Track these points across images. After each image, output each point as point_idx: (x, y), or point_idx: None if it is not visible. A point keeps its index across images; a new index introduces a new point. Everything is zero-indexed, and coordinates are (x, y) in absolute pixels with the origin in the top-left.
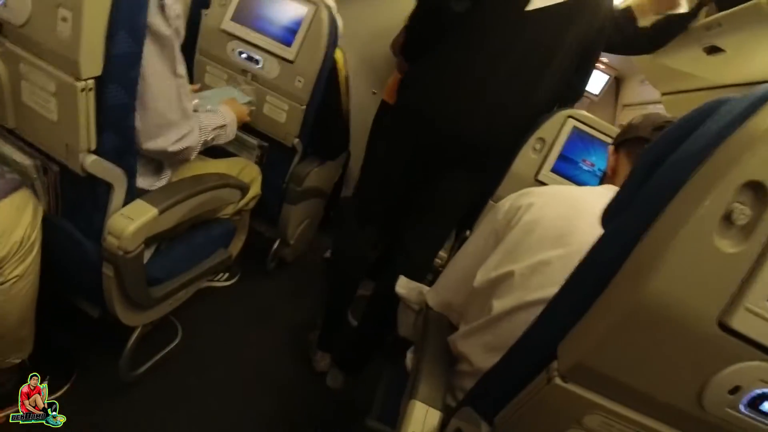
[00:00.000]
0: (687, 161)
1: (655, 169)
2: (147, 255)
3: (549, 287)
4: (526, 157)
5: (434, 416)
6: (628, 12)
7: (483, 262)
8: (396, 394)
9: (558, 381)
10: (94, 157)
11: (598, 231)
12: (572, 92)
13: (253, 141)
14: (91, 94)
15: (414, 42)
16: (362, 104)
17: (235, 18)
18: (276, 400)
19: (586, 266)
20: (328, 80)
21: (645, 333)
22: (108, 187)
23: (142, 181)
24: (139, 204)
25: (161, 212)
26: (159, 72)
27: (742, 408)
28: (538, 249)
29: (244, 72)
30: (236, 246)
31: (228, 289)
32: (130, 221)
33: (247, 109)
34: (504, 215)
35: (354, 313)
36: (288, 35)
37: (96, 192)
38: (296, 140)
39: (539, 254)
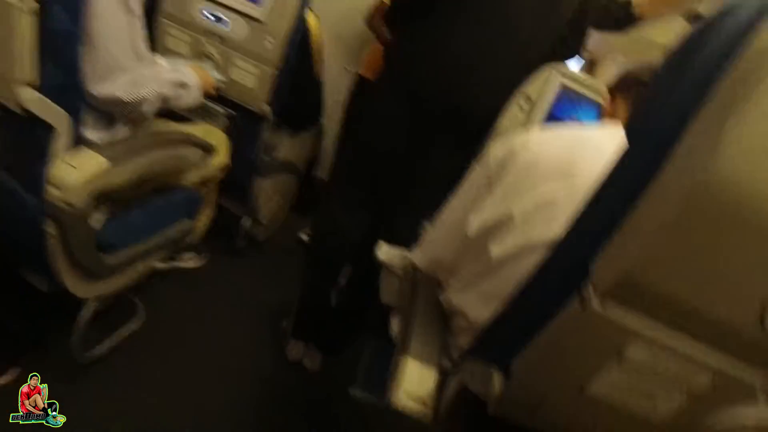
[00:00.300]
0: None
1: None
2: (101, 219)
3: (555, 227)
4: (512, 116)
5: (430, 374)
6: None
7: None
8: (380, 365)
9: (596, 306)
10: (32, 91)
11: (605, 162)
12: (567, 49)
13: (220, 109)
14: (34, 20)
15: (401, 7)
16: (335, 82)
17: None
18: (247, 383)
19: (620, 167)
20: (302, 44)
21: (705, 228)
22: (49, 131)
23: (92, 134)
24: (86, 153)
25: (112, 164)
26: (110, 7)
27: None
28: (541, 185)
29: (209, 34)
30: (202, 222)
31: (195, 271)
32: (75, 170)
33: (214, 81)
34: (496, 160)
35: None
36: None
37: (36, 136)
38: (266, 107)
39: (542, 191)
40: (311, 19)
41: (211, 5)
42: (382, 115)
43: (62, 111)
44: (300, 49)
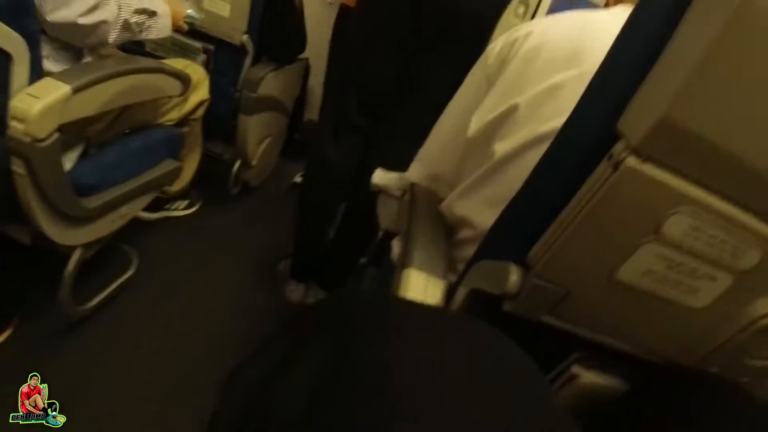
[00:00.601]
0: None
1: None
2: (73, 158)
3: (565, 114)
4: (507, 24)
5: (437, 285)
6: None
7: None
8: (381, 289)
9: (632, 161)
10: None
11: None
12: None
13: (197, 44)
14: None
15: None
16: (318, 17)
17: None
18: (247, 323)
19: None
20: None
21: (751, 58)
22: (6, 59)
23: (54, 65)
24: (47, 81)
25: (75, 91)
26: None
27: None
28: (547, 73)
29: None
30: (190, 166)
31: (188, 218)
32: (36, 100)
33: (186, 15)
34: (496, 56)
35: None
36: None
37: None
38: (245, 37)
39: (549, 79)
40: None
41: None
42: (372, 37)
43: (17, 35)
44: None
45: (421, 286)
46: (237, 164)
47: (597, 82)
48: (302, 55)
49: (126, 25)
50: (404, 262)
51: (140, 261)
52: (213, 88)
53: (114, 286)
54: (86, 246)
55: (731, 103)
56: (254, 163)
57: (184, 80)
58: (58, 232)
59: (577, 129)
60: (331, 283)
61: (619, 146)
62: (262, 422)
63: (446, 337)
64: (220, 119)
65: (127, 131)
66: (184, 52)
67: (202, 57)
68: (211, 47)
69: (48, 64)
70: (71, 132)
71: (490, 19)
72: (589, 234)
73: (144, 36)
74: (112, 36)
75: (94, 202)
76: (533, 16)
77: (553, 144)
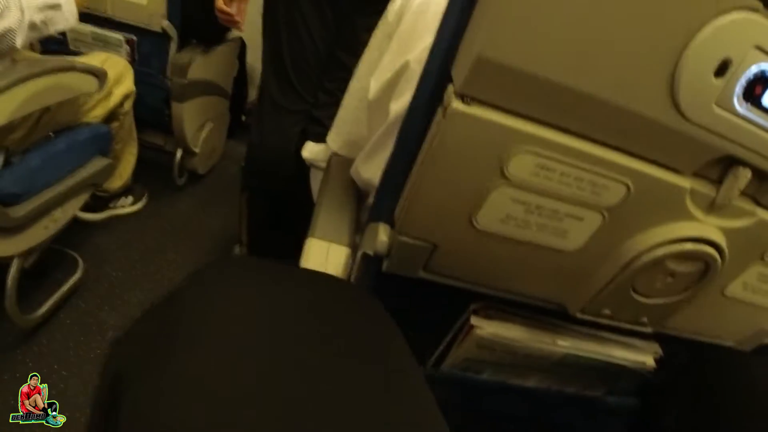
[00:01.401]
0: None
1: None
2: None
3: None
4: None
5: (339, 252)
6: None
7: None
8: None
9: (457, 105)
10: None
11: None
12: None
13: (118, 35)
14: None
15: None
16: None
17: None
18: None
19: None
20: None
21: None
22: None
23: None
24: None
25: None
26: None
27: (736, 102)
28: (435, 27)
29: None
30: (128, 161)
31: (136, 214)
32: None
33: None
34: (395, 12)
35: None
36: None
37: None
38: (166, 23)
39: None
40: None
41: None
42: (294, 12)
43: None
44: None
45: (322, 255)
46: (179, 153)
47: (437, 33)
48: (237, 33)
49: (32, 26)
50: (308, 233)
51: (89, 263)
52: (142, 78)
53: (62, 291)
54: (23, 255)
55: (542, 32)
56: (197, 150)
57: (99, 75)
58: None
59: (423, 81)
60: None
61: (448, 91)
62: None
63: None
64: (154, 109)
65: (50, 134)
66: (106, 45)
67: (126, 48)
68: (134, 37)
69: None
70: None
71: None
72: (436, 184)
73: (52, 30)
74: (19, 41)
75: (21, 210)
76: None
77: (411, 99)
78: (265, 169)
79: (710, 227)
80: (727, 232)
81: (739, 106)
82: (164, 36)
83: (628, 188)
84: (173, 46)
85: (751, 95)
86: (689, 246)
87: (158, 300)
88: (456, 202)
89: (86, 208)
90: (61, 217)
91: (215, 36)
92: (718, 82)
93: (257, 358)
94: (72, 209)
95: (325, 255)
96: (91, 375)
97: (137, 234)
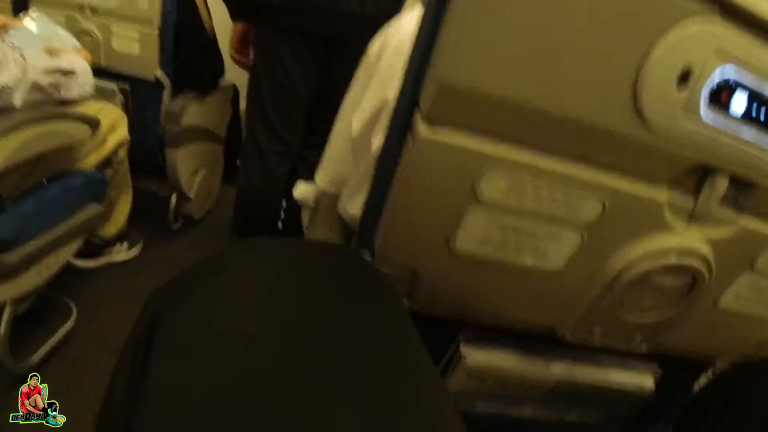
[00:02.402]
0: None
1: None
2: None
3: None
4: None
5: None
6: None
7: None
8: None
9: (424, 130)
10: None
11: None
12: None
13: (112, 85)
14: None
15: None
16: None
17: None
18: None
19: None
20: None
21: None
22: None
23: None
24: None
25: None
26: None
27: (702, 110)
28: None
29: (82, 9)
30: (123, 207)
31: (131, 261)
32: None
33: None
34: (375, 52)
35: None
36: None
37: None
38: (159, 72)
39: None
40: None
41: None
42: (274, 59)
43: None
44: (179, 2)
45: None
46: (174, 199)
47: (408, 63)
48: (230, 79)
49: (37, 87)
50: None
51: (83, 310)
52: (137, 125)
53: (56, 338)
54: (16, 301)
55: (502, 54)
56: (192, 195)
57: (92, 123)
58: None
59: (396, 111)
60: None
61: (416, 118)
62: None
63: None
64: (148, 155)
65: (44, 180)
66: (101, 94)
67: (120, 97)
68: (128, 87)
69: None
70: None
71: (383, 19)
72: (411, 209)
73: (64, 96)
74: (18, 99)
75: (14, 256)
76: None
77: (386, 130)
78: (252, 211)
79: (694, 239)
80: (712, 243)
81: (706, 114)
82: (158, 84)
83: (604, 205)
84: (166, 94)
85: (717, 102)
86: (673, 259)
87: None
88: (432, 227)
89: (81, 254)
90: (53, 263)
91: (208, 83)
92: (682, 92)
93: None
94: (65, 255)
95: None
96: (86, 415)
97: (131, 281)
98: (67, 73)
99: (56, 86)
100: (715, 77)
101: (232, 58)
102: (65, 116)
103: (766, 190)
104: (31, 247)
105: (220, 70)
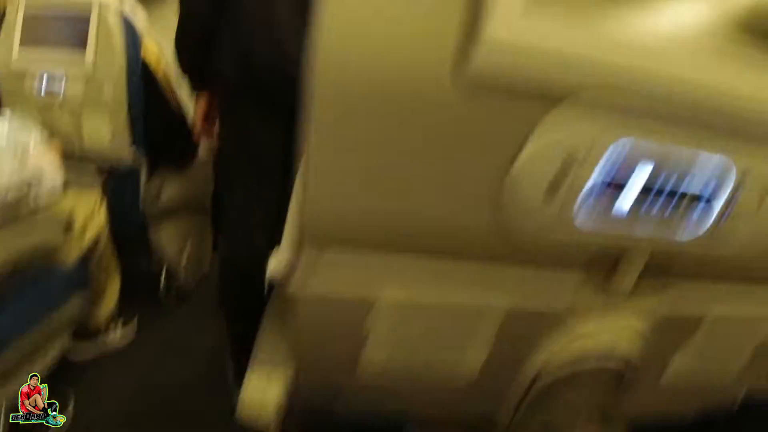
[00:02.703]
0: None
1: None
2: None
3: None
4: None
5: (278, 382)
6: None
7: None
8: None
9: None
10: None
11: None
12: None
13: (90, 171)
14: None
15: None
16: None
17: (24, 48)
18: None
19: None
20: (145, 79)
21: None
22: None
23: None
24: None
25: None
26: None
27: (578, 217)
28: None
29: (51, 107)
30: (111, 292)
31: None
32: None
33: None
34: None
35: None
36: (80, 47)
37: None
38: (133, 156)
39: None
40: (151, 50)
41: (38, 77)
42: (250, 128)
43: None
44: (145, 84)
45: (261, 390)
46: (163, 275)
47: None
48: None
49: (6, 205)
50: (250, 365)
51: (81, 399)
52: (117, 209)
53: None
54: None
55: (369, 176)
56: (181, 269)
57: (64, 222)
58: None
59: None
60: None
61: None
62: None
63: None
64: (133, 235)
65: (23, 281)
66: (78, 181)
67: (98, 180)
68: (104, 172)
69: None
70: None
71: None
72: (309, 348)
73: (34, 205)
74: None
75: (2, 363)
76: None
77: None
78: (236, 284)
79: (615, 325)
80: (643, 317)
81: (583, 221)
82: (133, 167)
83: (505, 318)
84: (143, 174)
85: (601, 203)
86: (591, 364)
87: None
88: (334, 348)
89: (76, 334)
90: (48, 356)
91: (184, 161)
92: (555, 202)
93: None
94: (54, 351)
95: (264, 390)
96: None
97: (126, 364)
98: (34, 183)
99: (26, 199)
100: (590, 182)
101: (197, 138)
102: (37, 225)
103: (682, 256)
104: (20, 348)
105: (193, 148)
